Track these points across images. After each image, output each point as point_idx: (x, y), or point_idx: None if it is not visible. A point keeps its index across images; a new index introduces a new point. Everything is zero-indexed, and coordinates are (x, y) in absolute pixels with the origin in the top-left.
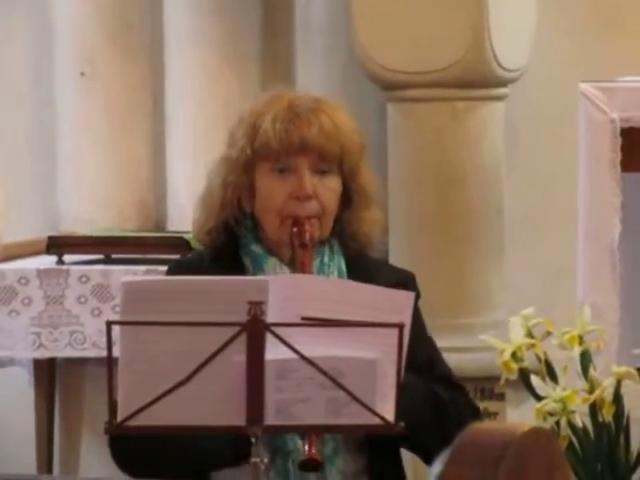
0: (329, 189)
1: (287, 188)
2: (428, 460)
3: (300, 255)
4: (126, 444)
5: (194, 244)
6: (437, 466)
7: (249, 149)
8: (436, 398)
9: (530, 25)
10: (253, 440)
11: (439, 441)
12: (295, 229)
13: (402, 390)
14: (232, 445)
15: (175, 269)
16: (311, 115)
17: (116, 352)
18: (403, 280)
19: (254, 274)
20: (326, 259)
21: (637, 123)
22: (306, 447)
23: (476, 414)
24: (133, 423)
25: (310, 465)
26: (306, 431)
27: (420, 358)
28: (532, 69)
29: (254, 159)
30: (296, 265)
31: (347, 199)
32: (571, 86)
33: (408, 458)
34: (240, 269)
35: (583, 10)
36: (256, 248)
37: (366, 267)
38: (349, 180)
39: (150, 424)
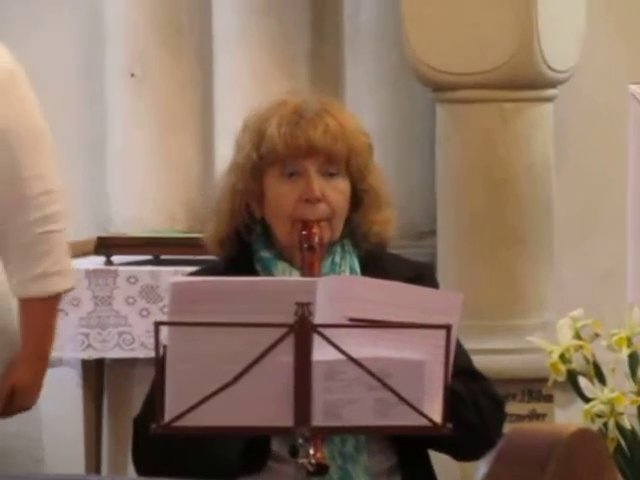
0: (338, 191)
1: (296, 192)
2: (453, 456)
3: (308, 258)
4: (149, 450)
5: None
6: (483, 466)
7: (255, 154)
8: (453, 395)
9: (579, 26)
10: (301, 441)
11: (461, 437)
12: (304, 232)
13: None
14: (248, 451)
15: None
16: (316, 117)
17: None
18: (420, 273)
19: None
20: (337, 258)
21: None
22: (311, 451)
23: (499, 406)
24: (181, 424)
25: (316, 469)
26: (354, 432)
27: None
28: (581, 70)
29: (261, 164)
30: (304, 267)
31: (357, 200)
32: (621, 87)
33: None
34: (252, 276)
35: (633, 10)
36: (265, 253)
37: (380, 264)
38: (358, 181)
39: (197, 425)
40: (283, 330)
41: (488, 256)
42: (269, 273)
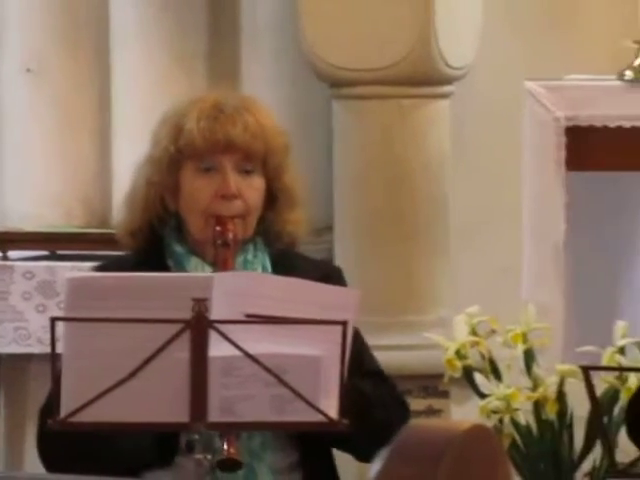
0: (253, 188)
1: (212, 187)
2: (358, 457)
3: (222, 254)
4: (55, 442)
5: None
6: (377, 463)
7: (173, 147)
8: (361, 395)
9: (476, 23)
10: (196, 437)
11: (366, 438)
12: (218, 228)
13: None
14: (157, 445)
15: (100, 271)
16: (236, 114)
17: (60, 348)
18: (328, 274)
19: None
20: (250, 256)
21: (582, 121)
22: (225, 446)
23: (404, 409)
24: (76, 419)
25: (229, 465)
26: (249, 428)
27: (351, 355)
28: (478, 67)
29: (178, 158)
30: (217, 264)
31: (271, 199)
32: (517, 84)
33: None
34: (164, 270)
35: (529, 8)
36: (178, 248)
37: (291, 263)
38: (273, 180)
39: (93, 420)
40: (179, 326)
41: (385, 252)
42: (181, 268)
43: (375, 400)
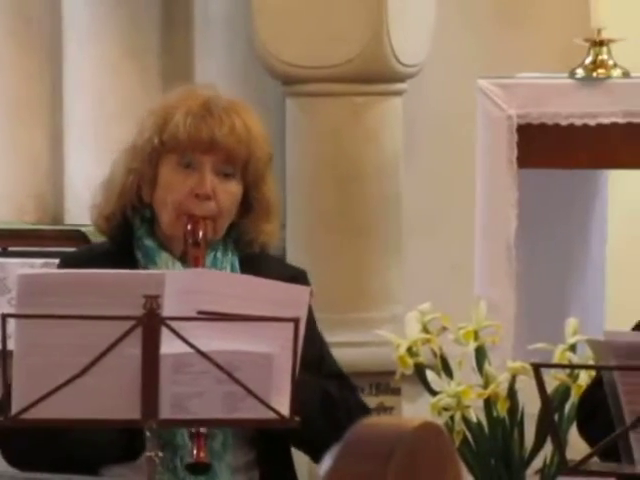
0: (229, 192)
1: (188, 184)
2: (316, 458)
3: (193, 252)
4: (15, 438)
5: (92, 237)
6: (327, 461)
7: (157, 139)
8: (326, 393)
9: (429, 21)
10: (148, 434)
11: (327, 437)
12: (189, 227)
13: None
14: (122, 440)
15: (67, 263)
16: (224, 115)
17: (11, 345)
18: (294, 277)
19: (146, 268)
20: (219, 255)
21: (534, 119)
22: (194, 451)
23: (366, 412)
24: (28, 416)
25: (198, 468)
26: (201, 425)
27: (310, 355)
28: (431, 65)
29: (161, 150)
30: (189, 262)
31: (247, 207)
32: (469, 82)
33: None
34: (132, 263)
35: (482, 6)
36: (149, 242)
37: (259, 264)
38: (252, 188)
39: (45, 417)
40: (131, 323)
41: (337, 250)
42: (151, 262)
43: (340, 402)
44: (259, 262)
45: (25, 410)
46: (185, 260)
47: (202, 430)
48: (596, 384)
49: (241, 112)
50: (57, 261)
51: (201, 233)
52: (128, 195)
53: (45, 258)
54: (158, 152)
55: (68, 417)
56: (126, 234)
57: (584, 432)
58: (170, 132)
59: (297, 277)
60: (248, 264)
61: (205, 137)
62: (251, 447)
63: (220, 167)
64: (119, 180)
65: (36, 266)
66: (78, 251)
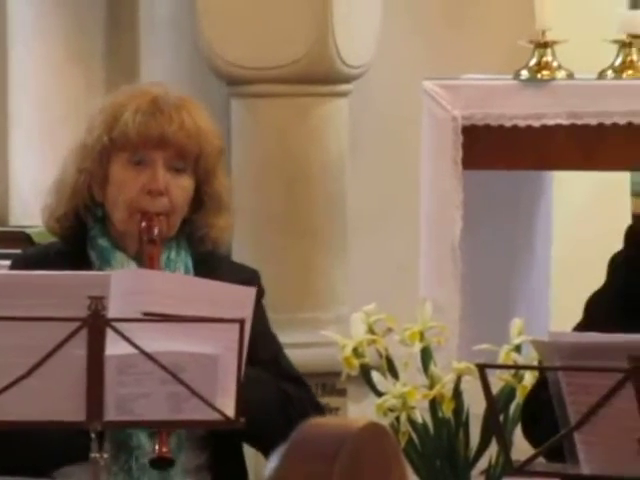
0: (181, 188)
1: (140, 181)
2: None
3: (148, 250)
4: None
5: (37, 238)
6: (273, 460)
7: (106, 137)
8: (283, 394)
9: (375, 22)
10: (93, 436)
11: (284, 436)
12: (144, 224)
13: (251, 384)
14: (75, 439)
15: (19, 263)
16: (174, 111)
17: None
18: (247, 278)
19: (100, 269)
20: (173, 255)
21: (478, 121)
22: (156, 446)
23: (321, 413)
24: None
25: (161, 463)
26: (146, 426)
27: (264, 355)
28: (377, 66)
29: (111, 148)
30: (144, 260)
31: (199, 202)
32: (415, 83)
33: (251, 454)
34: (86, 264)
35: (428, 8)
36: (103, 242)
37: (212, 265)
38: (203, 183)
39: None
40: (76, 324)
41: (282, 250)
42: (106, 262)
43: (296, 402)
44: (213, 263)
45: None
46: (140, 259)
47: (164, 449)
48: (540, 385)
49: (190, 108)
50: (1, 262)
51: (156, 230)
52: (79, 195)
53: None
54: (108, 150)
55: (13, 419)
56: (79, 234)
57: (528, 434)
58: (120, 130)
59: (250, 279)
60: (202, 265)
61: (155, 134)
62: (204, 448)
63: (171, 162)
64: (70, 180)
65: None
66: (31, 251)
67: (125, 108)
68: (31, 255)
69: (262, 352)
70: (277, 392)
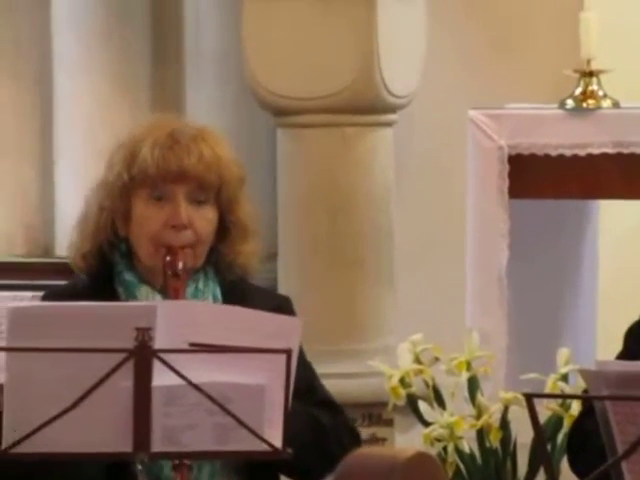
0: (205, 219)
1: (162, 216)
2: None
3: (173, 284)
4: (5, 473)
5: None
6: None
7: (126, 174)
8: (317, 423)
9: (419, 51)
10: (140, 467)
11: (320, 466)
12: (168, 258)
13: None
14: (107, 474)
15: (50, 297)
16: (191, 143)
17: (2, 379)
18: (279, 305)
19: (127, 302)
20: (201, 285)
21: (524, 150)
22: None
23: (356, 438)
24: (19, 450)
25: None
26: (193, 458)
27: (299, 384)
28: (422, 95)
29: (131, 185)
30: (169, 294)
31: (224, 230)
32: (460, 112)
33: None
34: (113, 297)
35: (473, 36)
36: (129, 276)
37: (242, 293)
38: (226, 211)
39: (37, 451)
40: (123, 355)
41: (329, 281)
42: (132, 296)
43: (330, 431)
44: (242, 291)
45: (16, 444)
46: (165, 292)
47: (185, 461)
48: (585, 414)
49: (208, 138)
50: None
51: (180, 264)
52: (103, 232)
53: (35, 291)
54: (128, 187)
55: (59, 451)
56: (105, 269)
57: (574, 463)
58: (139, 166)
59: (282, 306)
60: (231, 294)
61: (174, 167)
62: (239, 477)
63: (193, 195)
64: (93, 218)
65: (26, 299)
66: (61, 286)
67: (143, 143)
68: (62, 290)
69: (297, 381)
70: (309, 421)
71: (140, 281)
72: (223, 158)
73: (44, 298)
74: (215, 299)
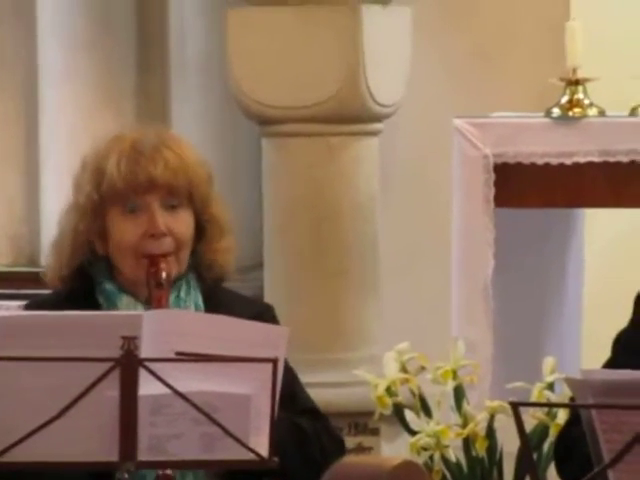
0: (182, 223)
1: (140, 227)
2: None
3: (156, 294)
4: None
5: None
6: None
7: (96, 194)
8: (299, 431)
9: (405, 61)
10: (126, 476)
11: (303, 472)
12: (151, 269)
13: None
14: None
15: (33, 307)
16: (155, 153)
17: None
18: (260, 312)
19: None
20: (182, 294)
21: (510, 158)
22: None
23: (340, 446)
24: (4, 460)
25: None
26: (179, 467)
27: (283, 390)
28: (407, 105)
29: (102, 203)
30: (152, 304)
31: (200, 230)
32: (445, 121)
33: None
34: (95, 307)
35: (457, 46)
36: (110, 286)
37: (222, 300)
38: (200, 211)
39: (21, 460)
40: (109, 364)
41: (314, 290)
42: (113, 306)
43: (312, 435)
44: (223, 299)
45: (1, 453)
46: (149, 303)
47: (168, 471)
48: (572, 423)
49: (171, 144)
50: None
51: (164, 274)
52: (80, 253)
53: (21, 300)
54: (100, 206)
55: (45, 460)
56: (86, 282)
57: (561, 471)
58: (107, 183)
59: (262, 313)
60: (212, 301)
61: (142, 179)
62: None
63: (165, 201)
64: (69, 241)
65: (12, 309)
66: (43, 296)
67: (107, 160)
68: (43, 300)
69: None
70: (293, 429)
71: (121, 291)
72: (188, 160)
73: (27, 308)
74: (197, 307)
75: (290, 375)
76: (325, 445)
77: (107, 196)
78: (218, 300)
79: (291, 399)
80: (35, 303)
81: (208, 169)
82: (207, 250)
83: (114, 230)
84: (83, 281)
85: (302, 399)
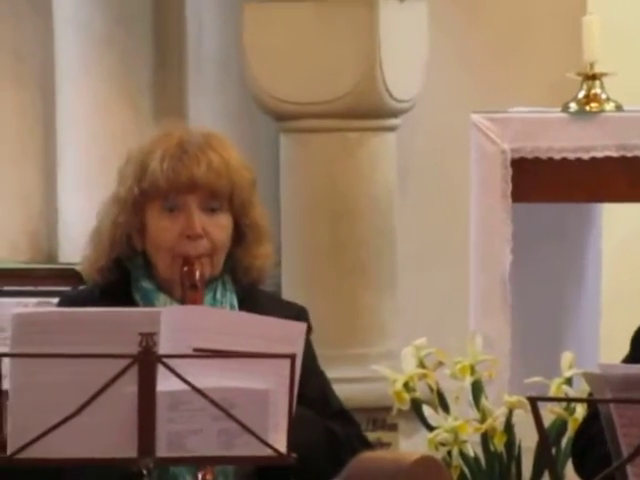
0: (219, 226)
1: (177, 227)
2: None
3: (190, 295)
4: (11, 476)
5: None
6: None
7: (137, 189)
8: (332, 435)
9: (422, 56)
10: (145, 472)
11: (333, 475)
12: (185, 269)
13: (298, 424)
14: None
15: (66, 302)
16: (199, 152)
17: (6, 385)
18: (295, 314)
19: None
20: (218, 295)
21: (527, 154)
22: (200, 475)
23: (369, 449)
24: (24, 456)
25: None
26: (198, 463)
27: (312, 393)
28: (424, 99)
29: (143, 198)
30: (186, 304)
31: (239, 235)
32: (463, 116)
33: None
34: (131, 304)
35: (474, 40)
36: (147, 284)
37: (258, 302)
38: (240, 216)
39: (41, 457)
40: (127, 361)
41: (332, 285)
42: (149, 304)
43: (344, 441)
44: (258, 300)
45: (21, 450)
46: (183, 302)
47: (208, 477)
48: (590, 418)
49: (216, 145)
50: (50, 300)
51: (198, 274)
52: (119, 247)
53: (39, 297)
54: (141, 201)
55: (64, 456)
56: (123, 277)
57: (579, 467)
58: (149, 179)
59: (298, 316)
60: (247, 303)
61: (184, 178)
62: None
63: (205, 203)
64: (107, 234)
65: (30, 305)
66: (79, 291)
67: (152, 156)
68: (78, 295)
69: (310, 390)
70: (324, 431)
71: (158, 289)
72: (232, 163)
73: (60, 303)
74: (232, 308)
75: (321, 378)
76: (356, 449)
77: (148, 192)
78: (253, 302)
79: (323, 403)
80: (68, 298)
81: (252, 174)
82: (245, 255)
83: (152, 227)
84: (120, 275)
85: (334, 404)
